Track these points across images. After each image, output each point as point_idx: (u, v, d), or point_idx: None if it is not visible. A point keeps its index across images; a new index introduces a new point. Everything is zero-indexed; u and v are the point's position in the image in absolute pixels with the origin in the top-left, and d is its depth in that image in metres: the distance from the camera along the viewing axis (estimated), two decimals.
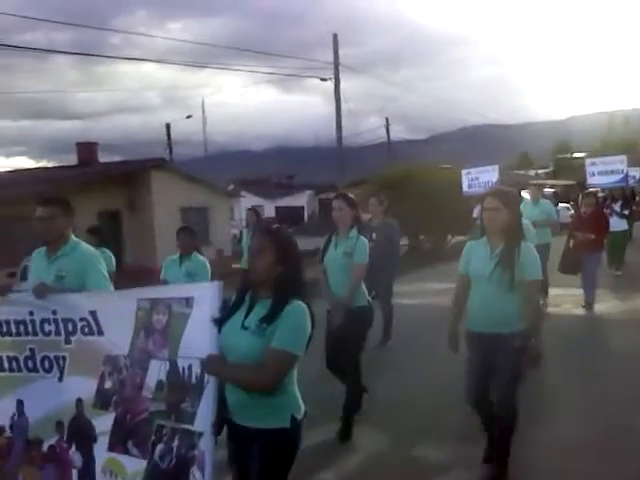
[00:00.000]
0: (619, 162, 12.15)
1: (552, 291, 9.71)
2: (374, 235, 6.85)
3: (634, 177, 16.18)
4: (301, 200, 47.85)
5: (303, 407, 2.60)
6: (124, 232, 19.80)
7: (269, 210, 46.94)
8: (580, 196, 10.43)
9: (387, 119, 39.97)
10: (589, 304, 9.11)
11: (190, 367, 2.65)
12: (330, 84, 23.69)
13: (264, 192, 49.17)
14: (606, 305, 9.35)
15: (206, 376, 2.58)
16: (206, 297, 2.69)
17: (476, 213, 12.97)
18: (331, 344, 4.83)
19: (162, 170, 20.89)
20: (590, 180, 12.41)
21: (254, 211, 10.51)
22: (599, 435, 4.58)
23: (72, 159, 24.27)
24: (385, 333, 7.75)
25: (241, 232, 11.61)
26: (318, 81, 23.89)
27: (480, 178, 12.74)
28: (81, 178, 19.29)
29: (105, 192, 18.95)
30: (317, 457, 4.35)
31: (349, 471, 4.24)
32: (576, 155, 50.54)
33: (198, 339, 2.63)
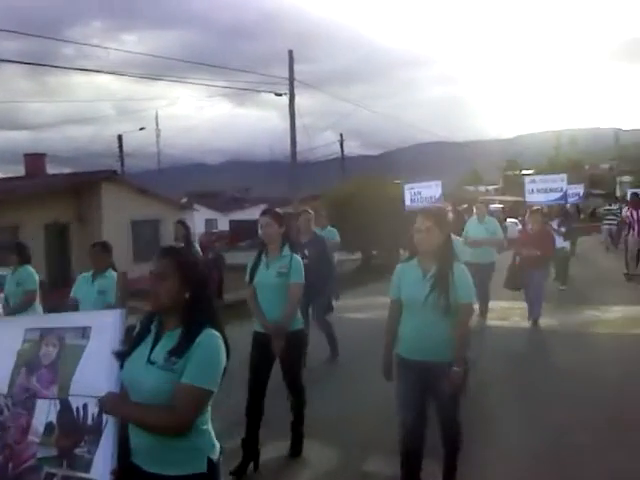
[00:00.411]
0: (559, 180, 12.26)
1: (500, 304, 9.96)
2: (306, 252, 6.73)
3: (578, 194, 16.64)
4: (255, 214, 47.46)
5: (219, 446, 2.33)
6: (72, 245, 19.35)
7: (223, 224, 46.59)
8: (527, 213, 10.59)
9: (341, 135, 40.40)
10: (535, 321, 9.11)
11: (85, 406, 2.32)
12: (285, 99, 23.81)
13: (218, 205, 48.83)
14: (551, 319, 9.51)
15: (105, 417, 2.26)
16: (106, 327, 2.38)
17: None
18: (259, 369, 4.55)
19: (113, 182, 20.54)
20: (529, 197, 12.42)
21: (182, 224, 9.37)
22: (541, 451, 4.65)
23: (20, 170, 23.69)
24: (332, 349, 7.67)
25: None
26: (273, 96, 23.98)
27: (423, 193, 12.74)
28: (28, 190, 18.82)
29: (53, 204, 18.52)
30: (267, 476, 4.36)
31: None
32: (524, 172, 52.05)
33: (95, 374, 2.32)
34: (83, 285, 5.52)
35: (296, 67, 23.83)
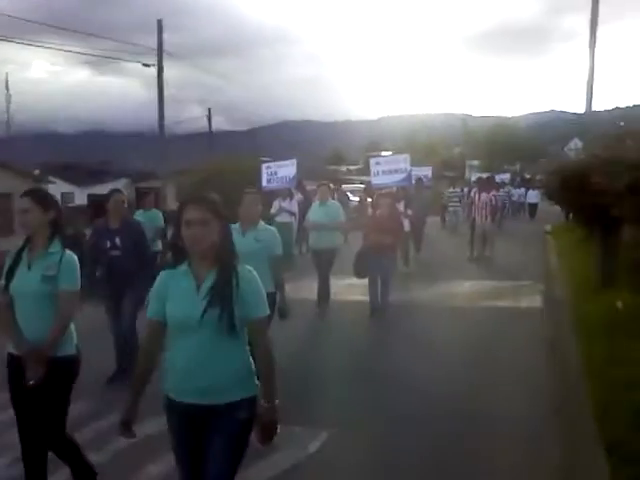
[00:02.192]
0: (402, 161, 11.94)
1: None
2: (117, 241, 5.96)
3: (427, 176, 17.22)
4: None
5: None
6: None
7: (80, 198, 44.42)
8: (375, 196, 9.76)
9: (209, 109, 39.85)
10: (380, 310, 8.59)
11: None
12: (150, 69, 23.24)
13: (75, 178, 46.38)
14: (403, 294, 9.74)
15: None
16: None
17: (274, 209, 12.78)
18: (23, 406, 3.45)
19: None
20: (374, 180, 12.08)
21: None
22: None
23: None
24: (123, 363, 5.89)
25: None
26: (137, 65, 23.32)
27: (279, 173, 12.46)
28: None
29: None
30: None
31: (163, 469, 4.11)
32: (384, 153, 54.25)
33: None
34: None
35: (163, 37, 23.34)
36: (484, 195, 14.12)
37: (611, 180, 5.92)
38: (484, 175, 19.18)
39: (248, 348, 2.79)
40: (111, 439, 4.37)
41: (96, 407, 5.21)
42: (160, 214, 10.33)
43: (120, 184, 46.30)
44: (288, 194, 12.92)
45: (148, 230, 9.92)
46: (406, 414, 5.11)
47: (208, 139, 39.13)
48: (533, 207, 28.38)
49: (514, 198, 28.89)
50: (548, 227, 21.16)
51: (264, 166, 12.84)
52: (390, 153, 35.26)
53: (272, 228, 5.48)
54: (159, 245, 10.38)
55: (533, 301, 9.53)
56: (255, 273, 2.79)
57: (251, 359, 2.77)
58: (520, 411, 5.15)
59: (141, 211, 10.49)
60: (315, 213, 9.17)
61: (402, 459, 4.30)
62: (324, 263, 8.99)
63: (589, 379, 5.43)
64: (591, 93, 19.18)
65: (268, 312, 2.81)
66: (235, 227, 4.92)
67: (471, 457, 4.35)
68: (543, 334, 7.53)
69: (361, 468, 4.24)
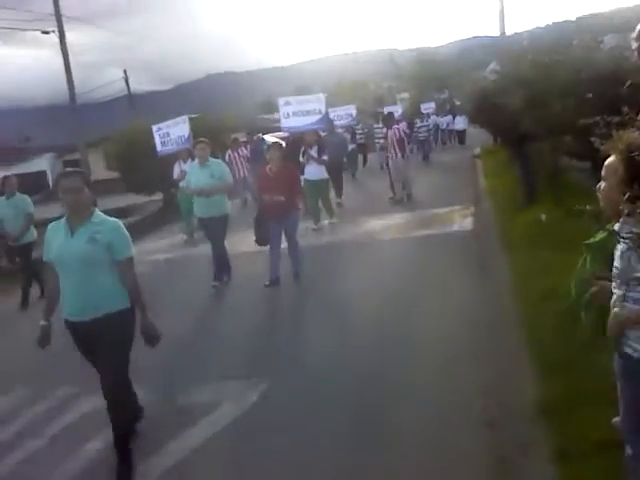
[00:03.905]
0: (316, 101, 10.67)
1: None
2: None
3: (351, 115, 16.29)
4: (42, 164, 44.09)
5: None
6: None
7: None
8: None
9: (125, 71, 38.31)
10: (297, 275, 7.63)
11: None
12: (57, 37, 22.15)
13: None
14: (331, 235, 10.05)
15: None
16: None
17: (177, 174, 11.43)
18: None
19: None
20: (284, 123, 10.66)
21: None
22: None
23: None
24: None
25: None
26: (45, 34, 22.21)
27: (171, 133, 11.38)
28: None
29: None
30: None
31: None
32: None
33: None
34: None
35: (66, 1, 22.28)
36: (389, 131, 13.06)
37: (510, 97, 6.06)
38: (393, 109, 18.73)
39: None
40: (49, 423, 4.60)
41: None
42: (27, 198, 8.77)
43: (46, 159, 44.61)
44: (189, 155, 11.06)
45: (15, 220, 8.47)
46: (339, 348, 5.28)
47: (128, 102, 37.87)
48: (461, 133, 28.65)
49: (443, 127, 29.10)
50: (477, 151, 21.52)
51: (154, 128, 11.70)
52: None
53: (114, 220, 3.96)
54: (34, 234, 8.70)
55: (464, 224, 9.77)
56: None
57: None
58: (448, 328, 5.35)
59: (3, 198, 8.69)
60: (197, 176, 7.85)
61: (334, 399, 4.37)
62: (217, 234, 7.90)
63: (514, 292, 5.67)
64: (503, 18, 19.52)
65: None
66: (60, 225, 3.88)
67: (397, 383, 4.51)
68: (473, 254, 7.78)
69: (295, 413, 4.28)
